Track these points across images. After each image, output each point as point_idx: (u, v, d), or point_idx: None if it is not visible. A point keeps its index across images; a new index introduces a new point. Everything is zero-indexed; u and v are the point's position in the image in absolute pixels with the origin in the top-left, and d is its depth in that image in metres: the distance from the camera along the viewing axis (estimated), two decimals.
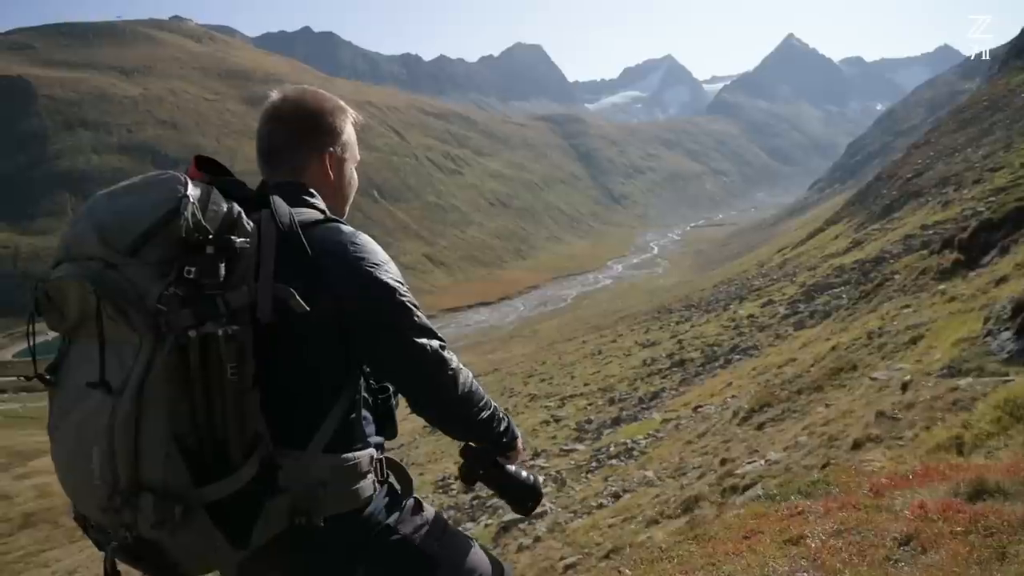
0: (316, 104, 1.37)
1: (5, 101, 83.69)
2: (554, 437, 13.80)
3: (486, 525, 8.82)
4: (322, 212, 1.29)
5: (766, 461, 4.97)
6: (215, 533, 1.08)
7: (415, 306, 1.26)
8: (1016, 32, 41.57)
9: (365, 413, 1.31)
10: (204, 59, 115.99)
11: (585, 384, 19.20)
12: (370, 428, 1.32)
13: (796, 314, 18.03)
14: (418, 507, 1.38)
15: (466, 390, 1.31)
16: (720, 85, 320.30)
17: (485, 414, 1.37)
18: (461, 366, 1.31)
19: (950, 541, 2.18)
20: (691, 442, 8.51)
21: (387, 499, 1.33)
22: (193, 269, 1.06)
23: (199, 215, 1.08)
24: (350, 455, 1.24)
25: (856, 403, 5.51)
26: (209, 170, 1.25)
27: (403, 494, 1.37)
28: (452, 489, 11.75)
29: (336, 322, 1.20)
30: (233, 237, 1.11)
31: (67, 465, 1.10)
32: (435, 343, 1.27)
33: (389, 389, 1.37)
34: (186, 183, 1.11)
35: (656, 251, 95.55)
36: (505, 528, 8.07)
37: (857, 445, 3.83)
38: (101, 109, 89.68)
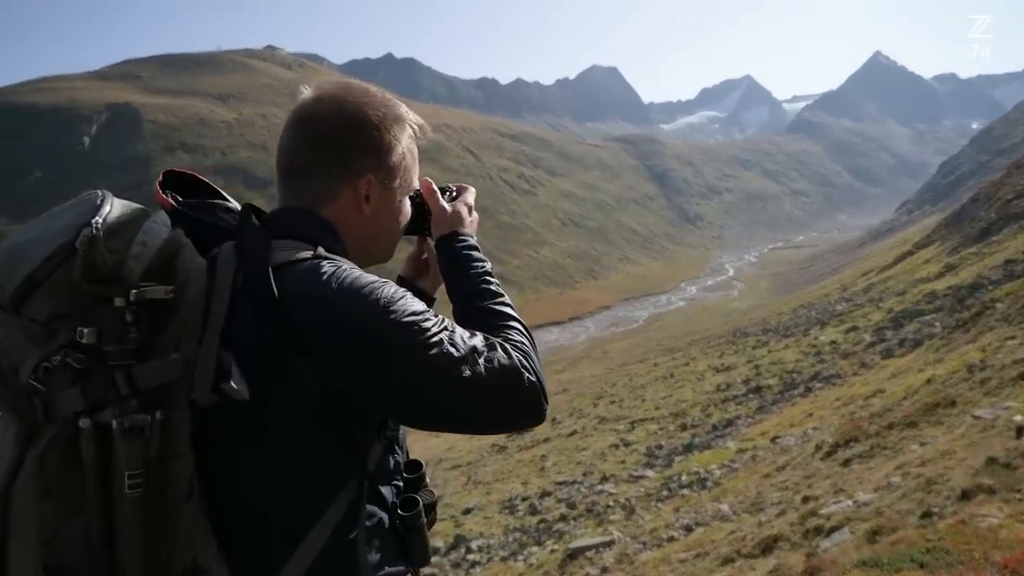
0: (357, 110, 1.00)
1: (115, 127, 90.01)
2: (623, 462, 13.47)
3: (552, 551, 8.63)
4: (315, 247, 0.94)
5: (854, 502, 4.61)
6: None
7: (440, 341, 0.89)
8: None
9: (373, 533, 0.95)
10: (293, 85, 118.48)
11: (656, 408, 18.73)
12: (380, 554, 0.95)
13: (883, 342, 17.11)
14: None
15: (533, 364, 0.97)
16: (801, 104, 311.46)
17: (517, 332, 1.03)
18: (516, 342, 0.98)
19: None
20: (769, 475, 8.08)
21: None
22: (90, 330, 0.77)
23: (99, 251, 0.78)
24: None
25: (957, 443, 5.06)
26: (186, 190, 0.98)
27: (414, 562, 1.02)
28: (519, 510, 11.60)
29: (321, 400, 0.87)
30: (151, 285, 0.80)
31: None
32: (481, 362, 0.91)
33: (419, 503, 1.01)
34: (99, 206, 0.82)
35: (732, 273, 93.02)
36: (572, 556, 7.86)
37: (966, 495, 3.46)
38: (199, 133, 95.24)
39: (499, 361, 0.92)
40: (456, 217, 1.16)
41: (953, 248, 29.60)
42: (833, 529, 4.06)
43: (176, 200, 0.95)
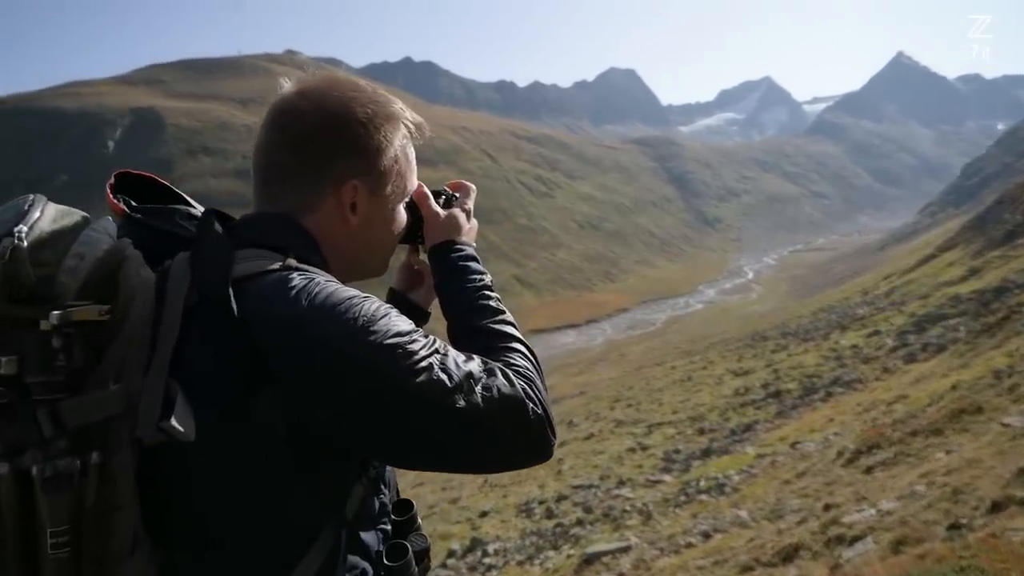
0: (342, 106, 0.88)
1: (139, 130, 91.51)
2: (640, 466, 13.37)
3: (568, 555, 8.58)
4: (285, 257, 0.81)
5: (878, 511, 4.51)
6: None
7: (430, 366, 0.77)
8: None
9: None
10: None
11: (673, 412, 18.59)
12: None
13: (906, 346, 16.85)
14: None
15: (538, 392, 0.85)
16: (822, 106, 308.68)
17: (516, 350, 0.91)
18: (518, 367, 0.86)
19: None
20: (789, 481, 7.97)
21: None
22: (8, 359, 0.66)
23: (21, 266, 0.67)
24: None
25: (984, 451, 4.95)
26: (141, 194, 0.86)
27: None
28: (535, 514, 11.56)
29: (289, 437, 0.74)
30: (83, 304, 0.68)
31: None
32: (478, 390, 0.78)
33: (408, 551, 0.89)
34: (26, 212, 0.71)
35: (750, 276, 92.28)
36: (588, 561, 7.80)
37: (997, 507, 3.36)
38: (220, 137, 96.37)
39: (499, 389, 0.80)
40: (451, 223, 1.05)
41: (977, 251, 29.14)
42: (856, 538, 3.98)
43: (129, 205, 0.83)
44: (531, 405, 0.82)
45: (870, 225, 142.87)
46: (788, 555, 4.47)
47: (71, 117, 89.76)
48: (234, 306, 0.73)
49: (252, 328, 0.73)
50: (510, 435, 0.80)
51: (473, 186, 1.15)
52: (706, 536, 6.94)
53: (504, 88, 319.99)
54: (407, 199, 0.99)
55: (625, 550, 7.52)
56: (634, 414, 20.07)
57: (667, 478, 11.69)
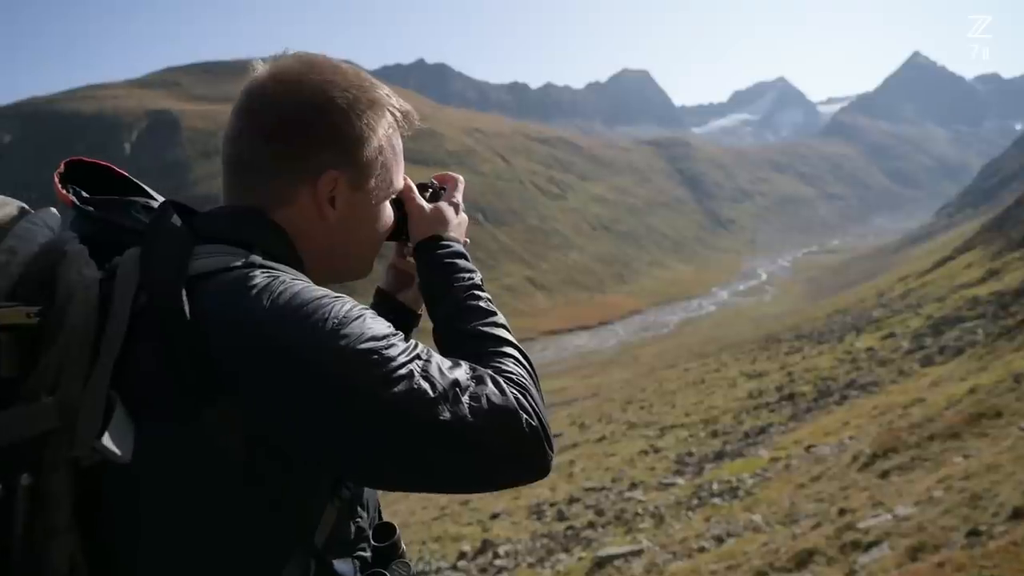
0: (320, 91, 0.80)
1: (155, 133, 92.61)
2: (652, 468, 13.29)
3: (579, 558, 8.54)
4: (250, 253, 0.73)
5: (894, 516, 4.44)
6: None
7: (410, 374, 0.68)
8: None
9: None
10: None
11: (686, 414, 18.48)
12: None
13: (922, 349, 16.66)
14: None
15: (533, 402, 0.77)
16: (837, 107, 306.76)
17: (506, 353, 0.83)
18: (510, 374, 0.78)
19: None
20: (803, 485, 7.89)
21: None
22: None
23: None
24: None
25: (1004, 457, 4.86)
26: (92, 184, 0.77)
27: None
28: (546, 516, 11.52)
29: (247, 455, 0.66)
30: (9, 306, 0.62)
31: None
32: (464, 400, 0.70)
33: None
34: None
35: (764, 277, 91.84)
36: (599, 564, 7.76)
37: (1017, 513, 3.29)
38: None
39: (488, 399, 0.71)
40: (437, 218, 0.96)
41: (996, 253, 28.82)
42: (872, 544, 3.91)
43: (80, 196, 0.75)
44: (525, 416, 0.73)
45: (886, 226, 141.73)
46: (802, 560, 4.41)
47: (88, 120, 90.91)
48: (186, 307, 0.65)
49: (206, 332, 0.65)
50: (501, 450, 0.72)
51: (461, 178, 1.06)
52: (719, 540, 6.88)
53: (517, 90, 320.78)
54: (394, 194, 0.91)
55: (637, 554, 7.48)
56: (646, 416, 19.99)
57: (680, 481, 11.62)
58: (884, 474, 6.49)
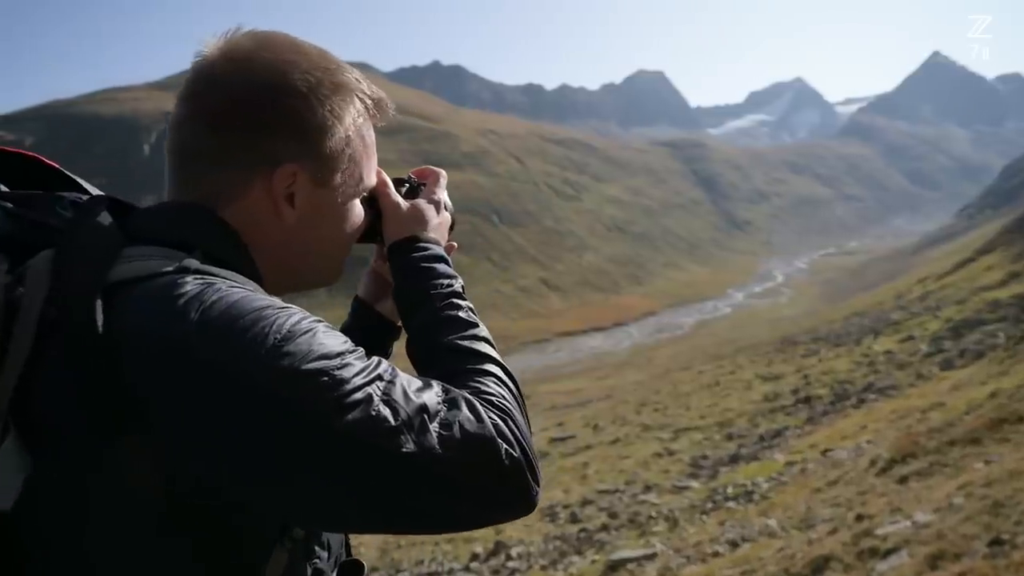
0: (275, 72, 0.70)
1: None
2: (667, 471, 13.23)
3: (592, 561, 8.51)
4: (188, 256, 0.64)
5: (913, 523, 4.37)
6: None
7: (368, 398, 0.59)
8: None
9: None
10: None
11: (701, 417, 18.38)
12: None
13: (941, 352, 16.49)
14: None
15: (516, 429, 0.67)
16: (855, 107, 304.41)
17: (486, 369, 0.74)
18: (490, 396, 0.69)
19: None
20: (820, 490, 7.80)
21: None
22: None
23: None
24: None
25: None
26: (33, 178, 0.69)
27: None
28: (559, 518, 11.49)
29: (171, 495, 0.57)
30: None
31: None
32: (433, 429, 0.61)
33: None
34: None
35: (781, 279, 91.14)
36: (613, 567, 7.73)
37: None
38: None
39: (462, 427, 0.62)
40: (414, 216, 0.86)
41: (1018, 255, 28.48)
42: (890, 551, 3.85)
43: None
44: (505, 446, 0.63)
45: (905, 228, 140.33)
46: (819, 566, 4.35)
47: (108, 122, 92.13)
48: (99, 321, 0.56)
49: (119, 350, 0.56)
50: (476, 486, 0.62)
51: (443, 172, 0.95)
52: (734, 545, 6.82)
53: (532, 91, 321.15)
54: (365, 192, 0.81)
55: (650, 557, 7.44)
56: (661, 418, 19.89)
57: (694, 484, 11.56)
58: (902, 479, 6.40)
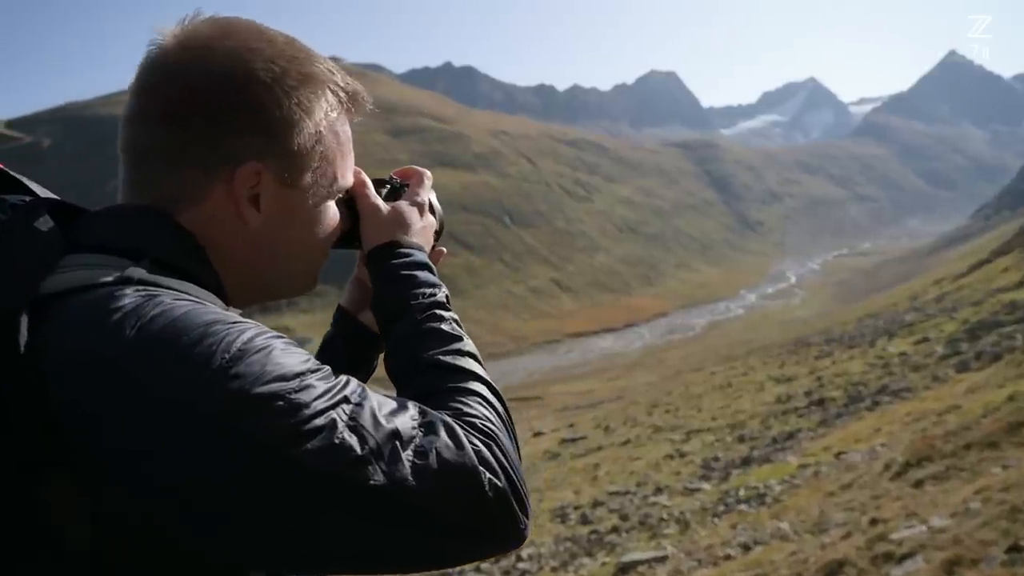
0: (236, 61, 0.63)
1: None
2: (678, 473, 13.17)
3: (603, 563, 8.48)
4: (133, 264, 0.57)
5: (929, 527, 4.30)
6: None
7: (331, 424, 0.52)
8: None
9: None
10: None
11: (713, 418, 18.29)
12: None
13: (957, 354, 16.27)
14: None
15: (502, 455, 0.60)
16: (869, 107, 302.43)
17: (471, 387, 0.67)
18: (473, 419, 0.62)
19: None
20: (833, 494, 7.72)
21: None
22: None
23: None
24: None
25: None
26: None
27: None
28: (570, 519, 11.46)
29: (104, 542, 0.50)
30: None
31: None
32: (405, 458, 0.54)
33: None
34: None
35: (793, 280, 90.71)
36: (623, 570, 7.70)
37: None
38: None
39: (439, 454, 0.55)
40: (395, 219, 0.79)
41: None
42: (905, 556, 3.79)
43: None
44: (488, 475, 0.57)
45: (920, 229, 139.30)
46: (832, 571, 4.30)
47: None
48: (22, 338, 0.49)
49: (44, 372, 0.49)
50: (456, 520, 0.56)
51: (428, 173, 0.87)
52: (746, 548, 6.77)
53: (543, 92, 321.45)
54: (341, 193, 0.73)
55: (661, 560, 7.40)
56: (672, 420, 19.82)
57: (705, 486, 11.49)
58: (918, 483, 6.33)
